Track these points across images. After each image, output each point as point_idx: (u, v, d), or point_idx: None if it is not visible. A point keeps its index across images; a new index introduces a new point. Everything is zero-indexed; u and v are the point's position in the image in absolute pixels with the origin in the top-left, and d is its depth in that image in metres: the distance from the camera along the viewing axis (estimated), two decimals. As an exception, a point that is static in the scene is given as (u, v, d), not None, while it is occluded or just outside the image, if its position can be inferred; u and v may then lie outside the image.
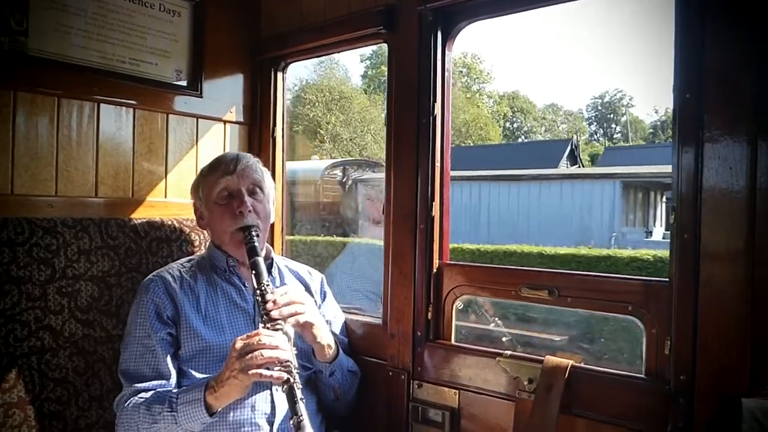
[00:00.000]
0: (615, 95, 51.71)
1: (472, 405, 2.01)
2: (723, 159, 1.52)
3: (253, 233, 1.96)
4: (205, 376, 1.86)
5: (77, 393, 2.02)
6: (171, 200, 2.49)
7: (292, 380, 1.67)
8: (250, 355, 1.66)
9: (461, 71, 43.11)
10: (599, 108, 51.94)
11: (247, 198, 2.01)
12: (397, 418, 2.16)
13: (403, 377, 2.15)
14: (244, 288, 2.05)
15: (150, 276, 2.02)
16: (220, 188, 2.03)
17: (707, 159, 1.54)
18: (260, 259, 1.90)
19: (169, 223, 2.38)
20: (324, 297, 2.28)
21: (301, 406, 1.64)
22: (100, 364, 2.09)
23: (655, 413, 1.64)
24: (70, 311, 2.04)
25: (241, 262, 2.05)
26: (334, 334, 2.17)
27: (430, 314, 2.13)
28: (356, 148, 34.01)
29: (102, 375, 2.09)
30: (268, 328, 1.76)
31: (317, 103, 34.97)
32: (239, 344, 1.69)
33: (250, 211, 2.00)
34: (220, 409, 1.76)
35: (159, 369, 1.86)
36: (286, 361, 1.68)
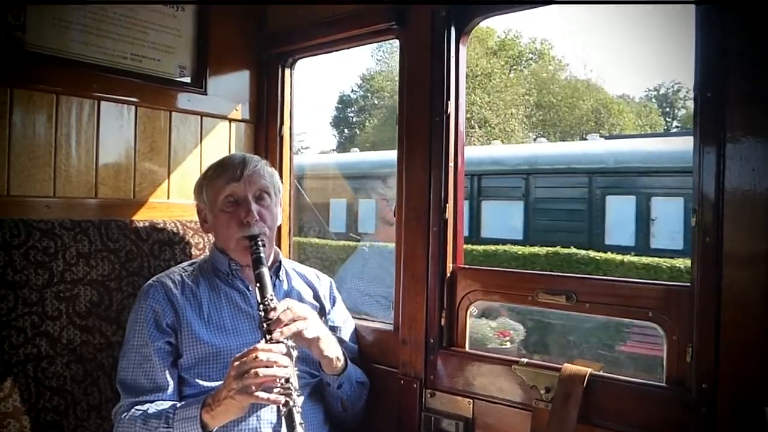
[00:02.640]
0: (671, 87, 47.56)
1: (487, 415, 1.97)
2: (745, 159, 1.49)
3: (260, 243, 1.92)
4: (209, 383, 1.84)
5: (75, 402, 1.98)
6: (174, 201, 2.45)
7: (291, 403, 1.63)
8: (247, 375, 1.62)
9: (531, 57, 39.38)
10: (653, 101, 49.41)
11: (253, 206, 1.97)
12: (409, 428, 2.11)
13: (415, 386, 2.11)
14: (248, 292, 2.01)
15: (150, 281, 1.98)
16: (226, 195, 1.98)
17: (729, 159, 1.51)
18: (265, 271, 1.86)
19: (172, 225, 2.33)
20: (333, 302, 2.24)
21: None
22: (100, 371, 2.05)
23: (676, 423, 1.60)
24: (69, 317, 1.99)
25: (244, 265, 2.01)
26: (343, 341, 2.14)
27: (443, 320, 2.09)
28: (503, 136, 30.21)
29: (101, 383, 2.05)
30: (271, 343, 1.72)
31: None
32: (236, 362, 1.66)
33: (257, 221, 1.96)
34: (216, 429, 1.73)
35: (156, 380, 1.83)
36: (286, 381, 1.64)
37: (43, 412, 1.90)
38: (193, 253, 2.34)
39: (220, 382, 1.73)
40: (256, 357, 1.63)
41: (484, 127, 30.29)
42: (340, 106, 43.28)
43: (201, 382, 1.85)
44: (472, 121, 29.77)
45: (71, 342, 1.99)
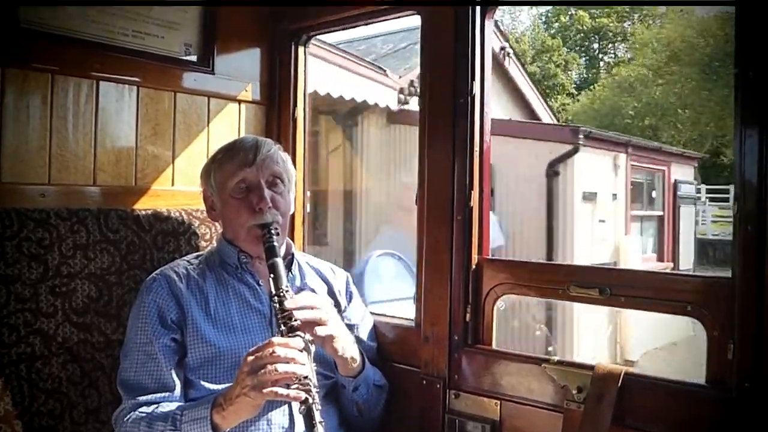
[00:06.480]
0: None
1: (515, 417, 1.89)
2: None
3: (272, 232, 1.85)
4: (215, 386, 1.76)
5: (72, 405, 1.90)
6: (179, 189, 2.36)
7: (310, 400, 1.56)
8: (263, 371, 1.54)
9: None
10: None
11: (266, 192, 1.89)
12: (432, 431, 2.04)
13: (438, 386, 2.03)
14: (258, 287, 1.93)
15: (153, 275, 1.90)
16: (237, 180, 1.91)
17: None
18: (279, 261, 1.79)
19: (177, 214, 2.25)
20: (350, 298, 2.15)
21: (320, 430, 1.53)
22: (98, 372, 1.97)
23: (716, 424, 1.55)
24: (65, 314, 1.92)
25: (255, 258, 1.93)
26: (360, 339, 2.07)
27: (468, 316, 2.01)
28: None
29: (100, 385, 1.97)
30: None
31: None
32: (250, 357, 1.58)
33: (270, 207, 1.88)
34: (228, 430, 1.65)
35: (162, 379, 1.76)
36: (305, 378, 1.57)
37: (37, 416, 1.82)
38: (199, 244, 2.27)
39: (227, 385, 1.66)
40: (273, 352, 1.55)
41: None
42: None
43: (207, 385, 1.77)
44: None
45: (67, 341, 1.91)
